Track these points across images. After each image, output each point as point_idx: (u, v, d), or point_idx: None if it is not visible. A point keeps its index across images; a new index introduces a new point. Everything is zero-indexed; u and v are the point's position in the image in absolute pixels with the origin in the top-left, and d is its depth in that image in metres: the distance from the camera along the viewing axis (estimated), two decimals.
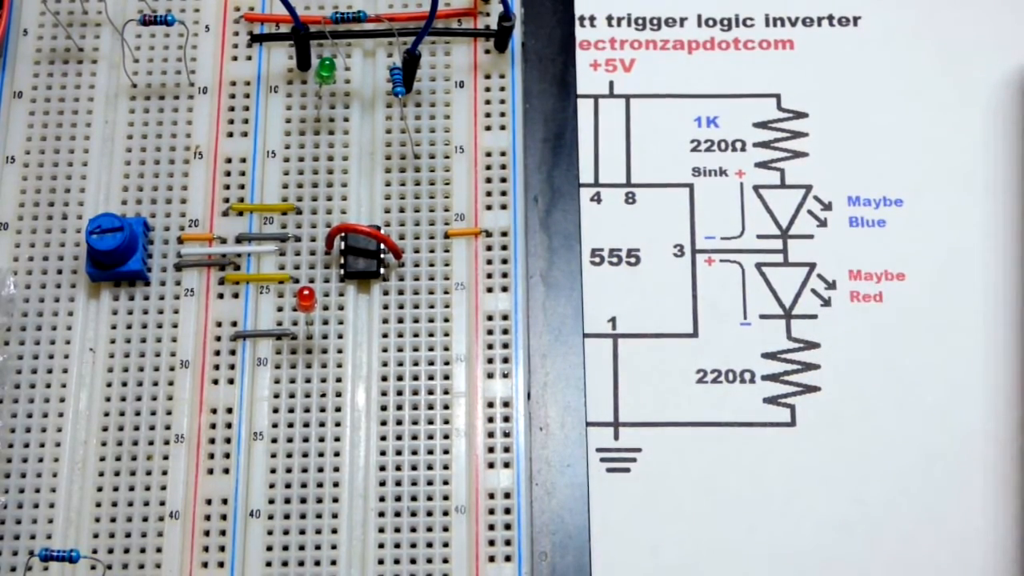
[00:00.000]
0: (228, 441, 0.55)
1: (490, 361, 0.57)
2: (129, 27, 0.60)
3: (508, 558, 0.54)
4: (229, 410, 0.56)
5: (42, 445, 0.55)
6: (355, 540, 0.54)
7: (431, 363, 0.56)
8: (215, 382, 0.56)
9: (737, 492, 0.57)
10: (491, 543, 0.54)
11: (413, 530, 0.54)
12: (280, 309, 0.57)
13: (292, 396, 0.56)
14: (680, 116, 0.62)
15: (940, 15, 0.63)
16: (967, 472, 0.57)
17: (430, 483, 0.55)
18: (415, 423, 0.56)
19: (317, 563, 0.54)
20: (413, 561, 0.54)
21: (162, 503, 0.55)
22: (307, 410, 0.56)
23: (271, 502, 0.55)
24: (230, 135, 0.59)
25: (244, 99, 0.60)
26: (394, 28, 0.60)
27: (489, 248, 0.58)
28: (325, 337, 0.57)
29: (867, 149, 0.61)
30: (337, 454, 0.55)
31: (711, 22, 0.63)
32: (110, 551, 0.54)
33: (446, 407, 0.56)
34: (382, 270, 0.57)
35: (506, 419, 0.56)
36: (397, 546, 0.54)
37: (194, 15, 0.61)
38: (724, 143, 0.61)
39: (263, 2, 0.61)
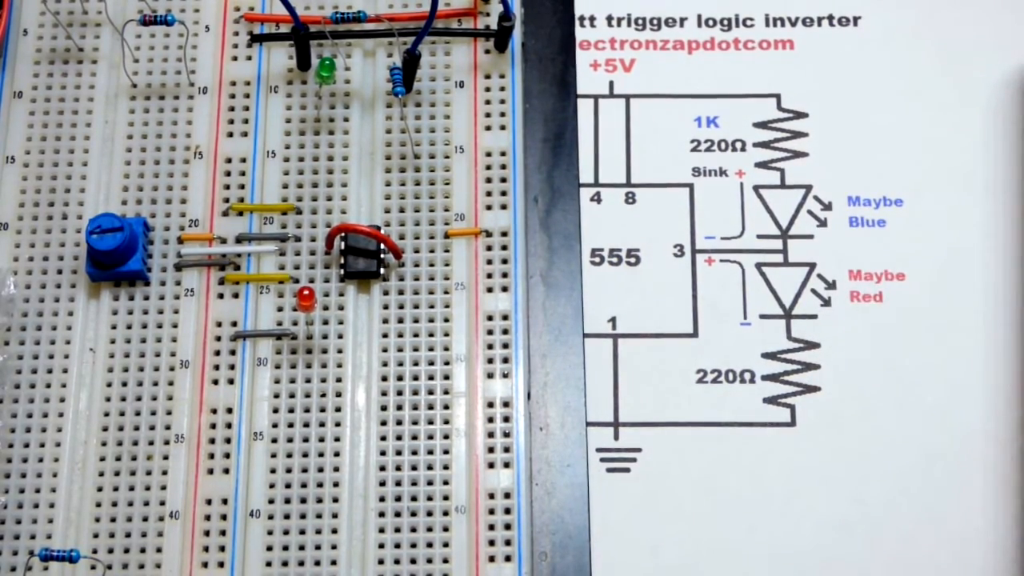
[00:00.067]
0: (228, 441, 0.55)
1: (490, 361, 0.57)
2: (129, 27, 0.60)
3: (508, 558, 0.54)
4: (229, 410, 0.56)
5: (42, 445, 0.55)
6: (355, 540, 0.54)
7: (431, 363, 0.56)
8: (215, 382, 0.56)
9: (737, 492, 0.57)
10: (491, 543, 0.54)
11: (413, 530, 0.54)
12: (280, 309, 0.57)
13: (292, 396, 0.56)
14: (680, 116, 0.62)
15: (940, 15, 0.63)
16: (967, 472, 0.57)
17: (430, 483, 0.55)
18: (415, 423, 0.56)
19: (317, 563, 0.54)
20: (413, 561, 0.54)
21: (162, 503, 0.55)
22: (307, 410, 0.56)
23: (271, 502, 0.55)
24: (230, 135, 0.59)
25: (244, 99, 0.60)
26: (394, 28, 0.60)
27: (489, 248, 0.58)
28: (325, 337, 0.57)
29: (867, 149, 0.61)
30: (337, 454, 0.55)
31: (711, 22, 0.63)
32: (110, 551, 0.54)
33: (446, 407, 0.56)
34: (382, 270, 0.57)
35: (506, 419, 0.56)
36: (397, 546, 0.54)
37: (194, 15, 0.61)
38: (724, 143, 0.61)
39: (263, 2, 0.61)
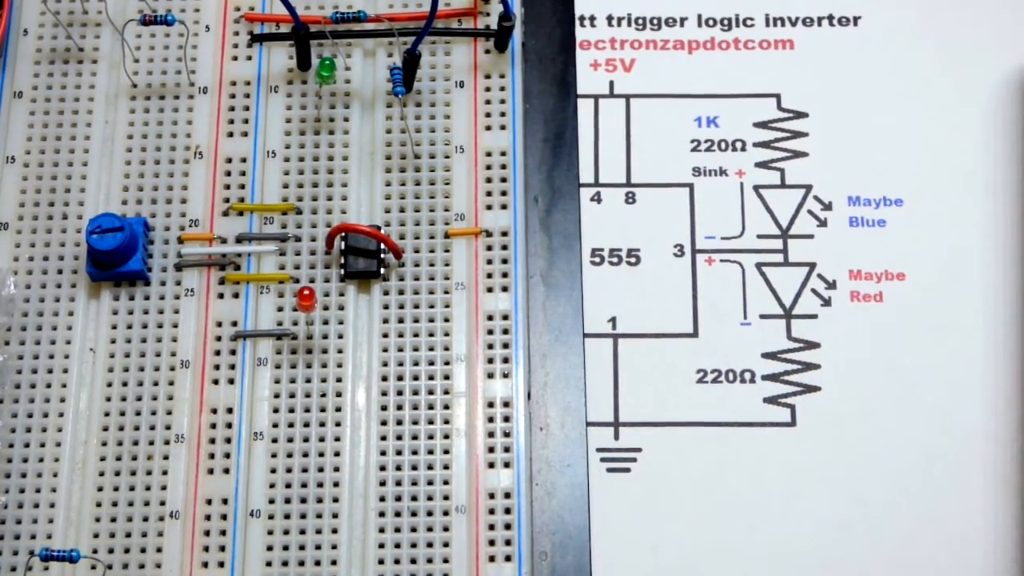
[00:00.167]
0: (228, 441, 0.55)
1: (490, 361, 0.57)
2: (129, 27, 0.60)
3: (508, 558, 0.54)
4: (229, 410, 0.56)
5: (42, 445, 0.55)
6: (355, 540, 0.54)
7: (431, 363, 0.56)
8: (215, 382, 0.56)
9: (737, 492, 0.57)
10: (491, 543, 0.54)
11: (413, 530, 0.54)
12: (280, 309, 0.57)
13: (292, 396, 0.56)
14: (680, 116, 0.62)
15: (940, 15, 0.63)
16: (967, 472, 0.57)
17: (430, 483, 0.55)
18: (415, 423, 0.56)
19: (317, 563, 0.54)
20: (413, 561, 0.54)
21: (162, 503, 0.55)
22: (307, 410, 0.56)
23: (271, 502, 0.55)
24: (230, 135, 0.59)
25: (244, 99, 0.60)
26: (394, 28, 0.60)
27: (489, 248, 0.58)
28: (325, 337, 0.57)
29: (867, 149, 0.61)
30: (337, 454, 0.55)
31: (711, 22, 0.63)
32: (110, 551, 0.54)
33: (446, 407, 0.56)
34: (382, 270, 0.57)
35: (506, 419, 0.56)
36: (397, 546, 0.54)
37: (194, 15, 0.61)
38: (724, 143, 0.61)
39: (263, 2, 0.61)
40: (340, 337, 0.57)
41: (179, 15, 0.60)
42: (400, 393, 0.56)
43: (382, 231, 0.57)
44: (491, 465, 0.55)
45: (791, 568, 0.56)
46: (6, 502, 0.55)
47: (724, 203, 0.60)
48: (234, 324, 0.57)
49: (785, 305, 0.59)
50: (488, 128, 0.60)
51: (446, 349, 0.56)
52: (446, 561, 0.54)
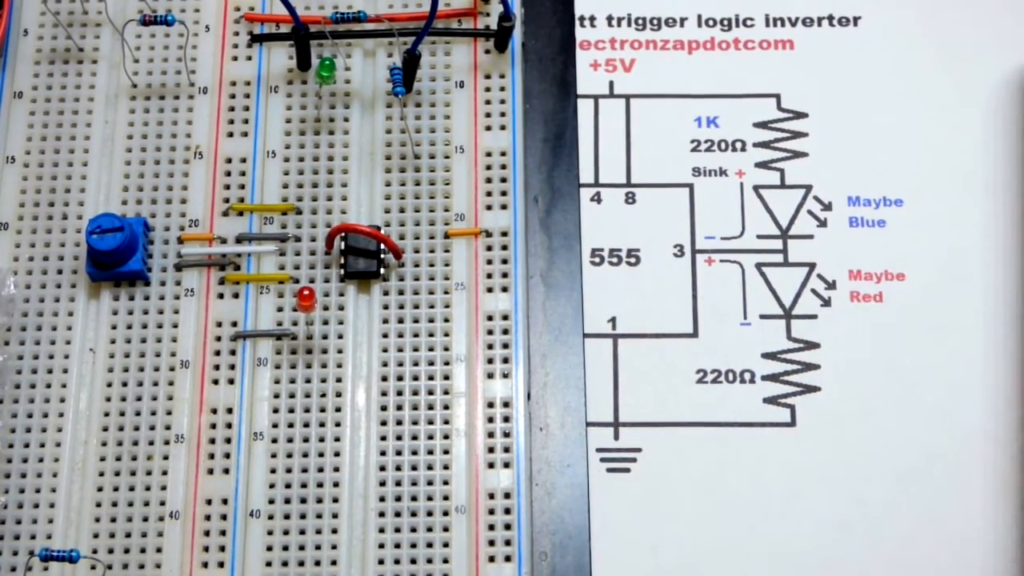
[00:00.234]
0: (228, 441, 0.55)
1: (490, 361, 0.57)
2: (129, 27, 0.60)
3: (508, 558, 0.54)
4: (229, 410, 0.56)
5: (42, 445, 0.55)
6: (355, 540, 0.54)
7: (431, 363, 0.56)
8: (215, 382, 0.56)
9: (737, 492, 0.57)
10: (491, 543, 0.54)
11: (413, 530, 0.54)
12: (280, 309, 0.57)
13: (292, 396, 0.56)
14: (680, 116, 0.62)
15: (940, 15, 0.63)
16: (967, 472, 0.57)
17: (430, 483, 0.55)
18: (415, 423, 0.56)
19: (317, 563, 0.54)
20: (413, 561, 0.54)
21: (162, 503, 0.55)
22: (307, 410, 0.56)
23: (271, 502, 0.55)
24: (230, 135, 0.59)
25: (244, 99, 0.60)
26: (394, 28, 0.60)
27: (489, 248, 0.58)
28: (325, 337, 0.57)
29: (867, 149, 0.61)
30: (337, 454, 0.55)
31: (711, 22, 0.63)
32: (110, 551, 0.54)
33: (446, 407, 0.56)
34: (382, 270, 0.57)
35: (506, 419, 0.56)
36: (397, 546, 0.54)
37: (194, 15, 0.61)
38: (724, 143, 0.61)
39: (263, 2, 0.61)
40: (340, 337, 0.57)
41: (179, 15, 0.60)
42: (400, 393, 0.56)
43: (382, 231, 0.57)
44: (491, 465, 0.55)
45: (791, 568, 0.56)
46: (6, 502, 0.55)
47: (724, 203, 0.60)
48: (234, 324, 0.57)
49: (785, 305, 0.59)
50: (488, 128, 0.60)
51: (446, 349, 0.56)
52: (446, 561, 0.54)
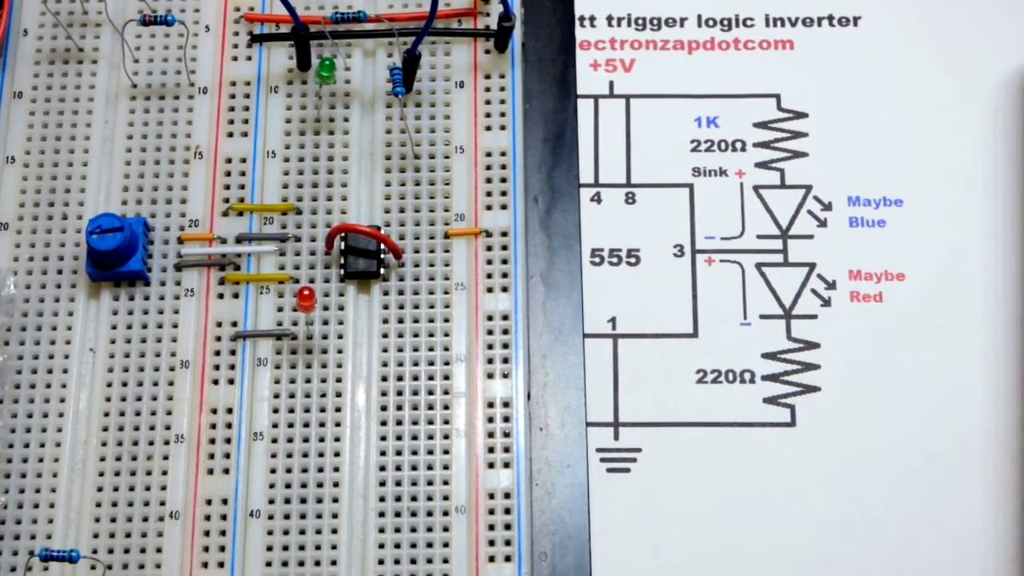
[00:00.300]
0: (228, 441, 0.55)
1: (490, 361, 0.57)
2: (129, 27, 0.60)
3: (508, 558, 0.54)
4: (229, 410, 0.56)
5: (42, 445, 0.55)
6: (355, 540, 0.54)
7: (431, 363, 0.56)
8: (215, 382, 0.56)
9: (737, 492, 0.57)
10: (491, 543, 0.54)
11: (413, 530, 0.54)
12: (280, 309, 0.57)
13: (292, 396, 0.56)
14: (680, 116, 0.62)
15: (940, 15, 0.63)
16: (967, 472, 0.57)
17: (430, 483, 0.55)
18: (415, 423, 0.56)
19: (317, 563, 0.54)
20: (413, 561, 0.54)
21: (162, 503, 0.55)
22: (307, 410, 0.56)
23: (271, 502, 0.55)
24: (230, 135, 0.59)
25: (244, 99, 0.60)
26: (394, 28, 0.60)
27: (489, 248, 0.58)
28: (325, 337, 0.57)
29: (867, 149, 0.61)
30: (337, 454, 0.55)
31: (711, 22, 0.63)
32: (110, 551, 0.54)
33: (446, 407, 0.56)
34: (382, 270, 0.57)
35: (506, 419, 0.56)
36: (397, 546, 0.54)
37: (194, 15, 0.61)
38: (724, 143, 0.61)
39: (263, 2, 0.61)
40: (340, 337, 0.57)
41: (179, 15, 0.60)
42: (400, 393, 0.56)
43: (382, 231, 0.57)
44: (491, 465, 0.55)
45: (791, 568, 0.56)
46: (6, 502, 0.55)
47: (724, 203, 0.60)
48: (234, 324, 0.57)
49: (785, 305, 0.59)
50: (488, 128, 0.60)
51: (446, 349, 0.56)
52: (446, 561, 0.54)
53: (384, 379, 0.56)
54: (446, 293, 0.57)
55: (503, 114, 0.60)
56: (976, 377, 0.58)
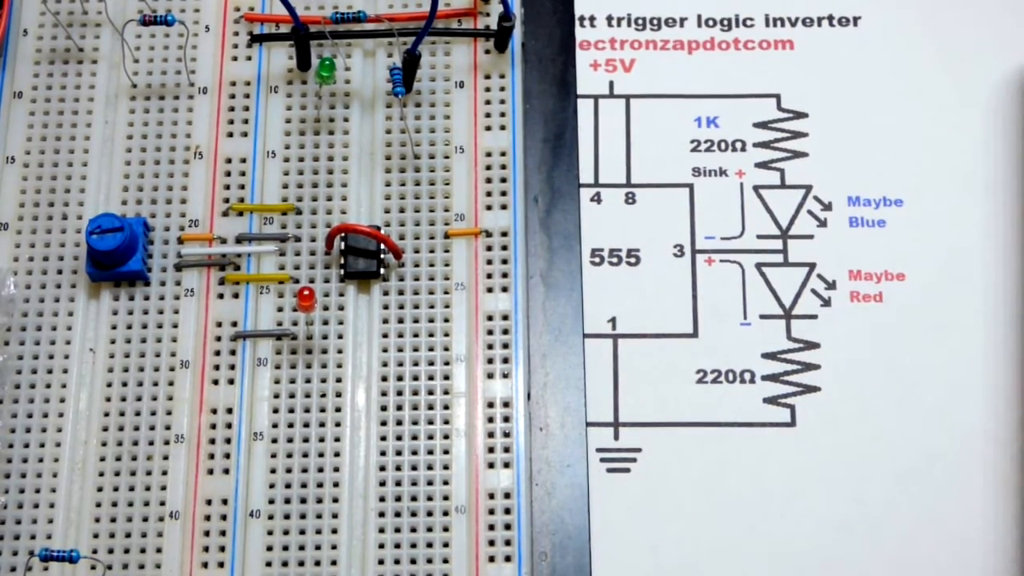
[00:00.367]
0: (228, 441, 0.55)
1: (490, 361, 0.57)
2: (129, 27, 0.60)
3: (508, 558, 0.54)
4: (229, 410, 0.56)
5: (42, 445, 0.55)
6: (355, 540, 0.54)
7: (431, 363, 0.56)
8: (215, 382, 0.56)
9: (737, 492, 0.57)
10: (491, 543, 0.54)
11: (413, 530, 0.54)
12: (280, 309, 0.57)
13: (292, 396, 0.56)
14: (680, 116, 0.62)
15: (940, 15, 0.63)
16: (967, 472, 0.57)
17: (430, 483, 0.55)
18: (415, 423, 0.56)
19: (317, 563, 0.54)
20: (413, 561, 0.54)
21: (162, 503, 0.55)
22: (307, 410, 0.56)
23: (271, 502, 0.55)
24: (230, 135, 0.59)
25: (244, 99, 0.60)
26: (394, 28, 0.60)
27: (489, 248, 0.58)
28: (325, 337, 0.57)
29: (867, 149, 0.61)
30: (337, 454, 0.55)
31: (711, 22, 0.63)
32: (110, 551, 0.54)
33: (446, 407, 0.56)
34: (382, 270, 0.57)
35: (506, 419, 0.56)
36: (397, 546, 0.54)
37: (194, 15, 0.61)
38: (724, 143, 0.61)
39: (263, 2, 0.61)
40: (340, 337, 0.57)
41: (179, 15, 0.60)
42: (400, 393, 0.56)
43: (382, 231, 0.57)
44: (491, 465, 0.55)
45: (791, 568, 0.56)
46: (6, 502, 0.55)
47: (724, 203, 0.60)
48: (234, 324, 0.57)
49: (785, 305, 0.59)
50: (488, 128, 0.60)
51: (446, 349, 0.56)
52: (446, 561, 0.54)
53: (384, 379, 0.56)
54: (446, 293, 0.57)
55: (503, 114, 0.60)
56: (976, 377, 0.58)
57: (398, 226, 0.58)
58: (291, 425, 0.55)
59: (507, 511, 0.55)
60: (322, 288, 0.57)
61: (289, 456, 0.55)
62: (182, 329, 0.57)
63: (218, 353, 0.56)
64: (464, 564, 0.54)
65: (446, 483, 0.55)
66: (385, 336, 0.57)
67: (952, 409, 0.58)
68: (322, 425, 0.55)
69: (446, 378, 0.56)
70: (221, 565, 0.54)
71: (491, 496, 0.55)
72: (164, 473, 0.55)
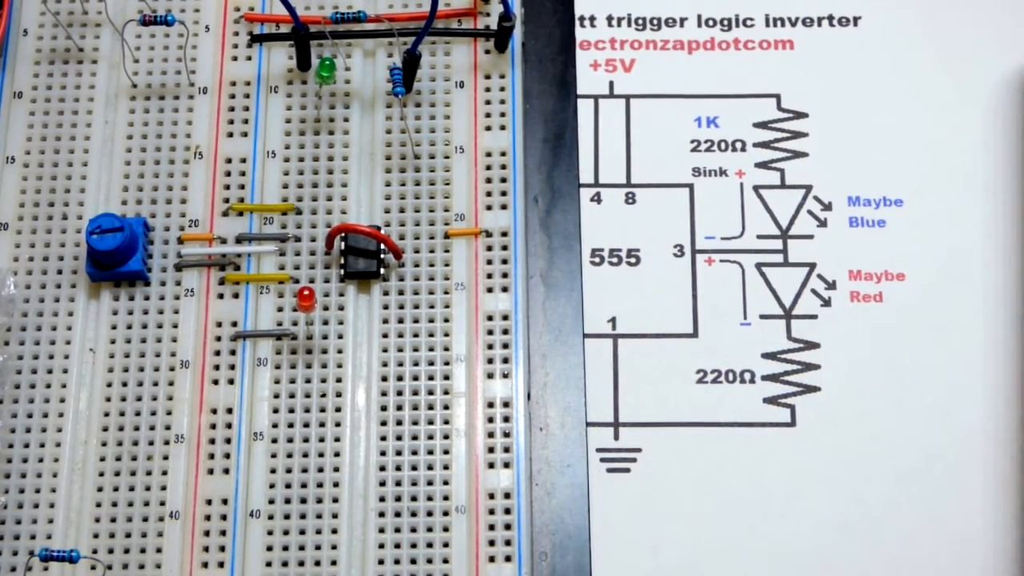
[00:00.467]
0: (228, 441, 0.55)
1: (490, 361, 0.57)
2: (129, 27, 0.60)
3: (508, 558, 0.54)
4: (229, 410, 0.56)
5: (42, 445, 0.55)
6: (355, 540, 0.54)
7: (431, 363, 0.56)
8: (215, 382, 0.56)
9: (737, 492, 0.57)
10: (491, 543, 0.54)
11: (413, 530, 0.54)
12: (280, 309, 0.57)
13: (292, 396, 0.56)
14: (680, 116, 0.62)
15: (940, 15, 0.63)
16: (967, 472, 0.57)
17: (430, 483, 0.55)
18: (415, 423, 0.56)
19: (317, 563, 0.54)
20: (413, 561, 0.54)
21: (162, 503, 0.55)
22: (307, 410, 0.56)
23: (271, 502, 0.55)
24: (230, 135, 0.59)
25: (244, 99, 0.60)
26: (394, 28, 0.60)
27: (489, 248, 0.58)
28: (325, 337, 0.57)
29: (867, 149, 0.61)
30: (337, 454, 0.55)
31: (711, 22, 0.63)
32: (110, 551, 0.54)
33: (446, 407, 0.56)
34: (382, 270, 0.57)
35: (506, 419, 0.56)
36: (397, 546, 0.54)
37: (194, 15, 0.61)
38: (724, 143, 0.61)
39: (263, 2, 0.61)
40: (340, 337, 0.57)
41: (179, 15, 0.60)
42: (400, 393, 0.56)
43: (382, 231, 0.57)
44: (491, 465, 0.55)
45: (791, 568, 0.56)
46: (6, 502, 0.55)
47: (724, 203, 0.60)
48: (234, 324, 0.57)
49: (785, 305, 0.59)
50: (488, 128, 0.60)
51: (446, 349, 0.56)
52: (446, 561, 0.54)
53: (384, 379, 0.56)
54: (446, 293, 0.57)
55: (503, 114, 0.60)
56: (976, 377, 0.58)
57: (398, 226, 0.58)
58: (291, 425, 0.55)
59: (507, 511, 0.55)
60: (322, 288, 0.57)
61: (289, 456, 0.55)
62: (182, 329, 0.57)
63: (218, 353, 0.57)
64: (464, 564, 0.54)
65: (446, 483, 0.55)
66: (385, 336, 0.57)
67: (952, 409, 0.58)
68: (322, 425, 0.55)
69: (446, 378, 0.56)
70: (221, 565, 0.54)
71: (491, 496, 0.55)
72: (164, 473, 0.55)
